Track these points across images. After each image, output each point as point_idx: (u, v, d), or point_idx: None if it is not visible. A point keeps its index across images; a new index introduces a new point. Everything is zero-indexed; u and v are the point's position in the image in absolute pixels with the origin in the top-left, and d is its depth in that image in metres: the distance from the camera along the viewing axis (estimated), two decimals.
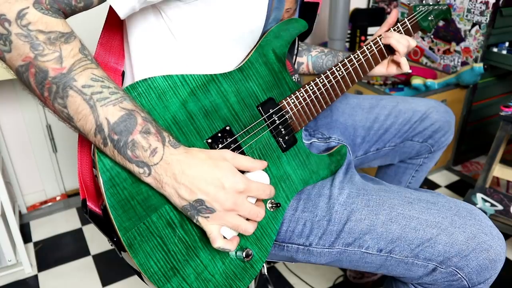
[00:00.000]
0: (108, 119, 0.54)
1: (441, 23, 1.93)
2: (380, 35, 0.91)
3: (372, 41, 0.90)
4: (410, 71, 0.95)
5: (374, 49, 0.89)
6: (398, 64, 0.93)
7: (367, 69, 0.88)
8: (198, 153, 0.59)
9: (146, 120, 0.57)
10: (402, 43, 0.89)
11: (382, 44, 0.90)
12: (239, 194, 0.59)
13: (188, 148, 0.59)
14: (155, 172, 0.56)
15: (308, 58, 1.05)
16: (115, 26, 0.73)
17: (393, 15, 0.95)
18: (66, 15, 0.56)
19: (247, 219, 0.62)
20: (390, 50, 0.92)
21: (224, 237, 0.61)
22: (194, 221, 0.59)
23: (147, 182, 0.58)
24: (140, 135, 0.55)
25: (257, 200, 0.64)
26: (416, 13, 0.97)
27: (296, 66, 1.06)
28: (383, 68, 0.95)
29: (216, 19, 0.67)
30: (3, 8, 0.49)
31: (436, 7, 1.01)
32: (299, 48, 1.06)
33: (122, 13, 0.58)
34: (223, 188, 0.57)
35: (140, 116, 0.56)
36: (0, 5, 0.49)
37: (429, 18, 0.99)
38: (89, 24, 1.02)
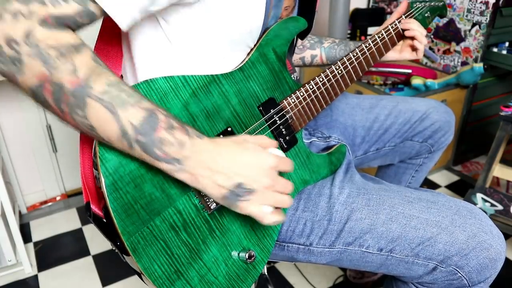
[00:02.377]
0: (131, 122, 0.53)
1: (441, 23, 1.93)
2: (399, 21, 0.95)
3: (371, 39, 0.90)
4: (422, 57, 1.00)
5: (373, 47, 0.90)
6: (412, 48, 0.98)
7: (366, 67, 0.89)
8: (223, 141, 0.60)
9: (168, 116, 0.56)
10: (422, 31, 0.94)
11: (401, 28, 0.94)
12: (272, 170, 0.59)
13: (211, 138, 0.60)
14: (187, 165, 0.56)
15: (321, 50, 1.07)
16: (111, 30, 0.73)
17: (404, 4, 0.98)
18: (72, 30, 0.55)
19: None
20: (397, 41, 0.95)
21: None
22: (233, 208, 0.59)
23: (180, 178, 0.57)
24: (165, 132, 0.55)
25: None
26: (413, 9, 0.99)
27: (310, 58, 1.08)
28: (396, 54, 0.99)
29: (214, 21, 0.67)
30: (9, 30, 0.49)
31: (432, 4, 1.03)
32: (311, 41, 1.08)
33: (124, 25, 0.57)
34: (259, 167, 0.58)
35: (161, 113, 0.56)
36: (6, 28, 0.49)
37: (426, 15, 1.01)
38: (85, 30, 1.02)
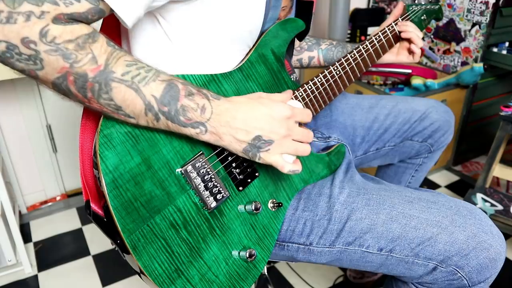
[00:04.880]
0: (154, 95, 0.57)
1: (440, 23, 1.93)
2: (396, 23, 0.94)
3: (368, 40, 0.90)
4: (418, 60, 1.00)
5: (370, 48, 0.90)
6: (408, 51, 0.98)
7: (363, 68, 0.89)
8: (238, 98, 0.64)
9: (185, 84, 0.60)
10: (418, 34, 0.94)
11: (397, 30, 0.94)
12: (288, 120, 0.63)
13: (227, 97, 0.63)
14: (210, 126, 0.60)
15: (318, 52, 1.07)
16: (111, 31, 0.73)
17: (400, 7, 0.99)
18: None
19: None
20: (394, 42, 0.95)
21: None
22: (257, 159, 0.63)
23: (205, 139, 0.61)
24: (186, 99, 0.58)
25: (300, 125, 0.67)
26: (409, 12, 0.99)
27: (307, 60, 1.09)
28: (393, 56, 0.99)
29: (214, 20, 0.67)
30: (24, 31, 0.50)
31: (428, 7, 1.04)
32: (309, 43, 1.09)
33: (130, 23, 0.58)
34: (273, 119, 0.62)
35: (179, 82, 0.59)
36: (21, 30, 0.49)
37: (422, 18, 1.01)
38: None
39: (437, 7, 1.06)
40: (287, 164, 0.64)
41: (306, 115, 0.66)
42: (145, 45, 0.70)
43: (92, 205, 0.66)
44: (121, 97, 0.55)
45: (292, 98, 0.69)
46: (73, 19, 0.53)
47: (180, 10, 0.66)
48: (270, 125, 0.61)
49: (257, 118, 0.61)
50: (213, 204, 0.65)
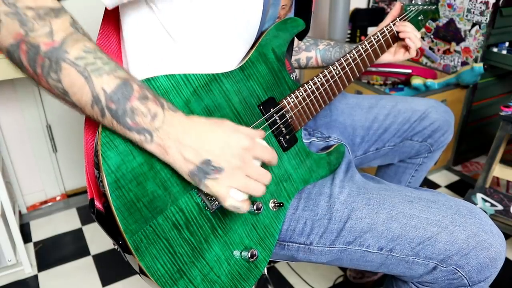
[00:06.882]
0: (104, 89, 0.53)
1: (440, 23, 1.93)
2: (394, 23, 0.95)
3: (367, 41, 0.90)
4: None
5: (369, 48, 0.90)
6: (405, 48, 0.98)
7: (363, 68, 0.90)
8: (198, 117, 0.59)
9: (142, 87, 0.56)
10: (416, 34, 0.95)
11: (396, 30, 0.95)
12: (245, 151, 0.58)
13: (187, 114, 0.59)
14: (157, 137, 0.55)
15: (316, 52, 1.07)
16: (111, 28, 0.73)
17: (397, 7, 0.99)
18: None
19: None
20: (392, 43, 0.96)
21: None
22: (202, 186, 0.58)
23: (150, 150, 0.57)
24: (138, 102, 0.54)
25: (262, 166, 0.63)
26: (407, 12, 1.00)
27: (305, 60, 1.09)
28: (390, 55, 1.00)
29: (211, 15, 0.66)
30: None
31: (425, 7, 1.04)
32: (307, 43, 1.09)
33: (109, 3, 0.57)
34: (229, 146, 0.57)
35: (136, 84, 0.56)
36: None
37: (419, 18, 1.02)
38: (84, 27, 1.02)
39: (433, 7, 1.07)
40: (230, 197, 0.57)
41: (269, 154, 0.61)
42: (147, 42, 0.69)
43: (97, 203, 0.66)
44: (69, 81, 0.52)
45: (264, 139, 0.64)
46: None
47: (173, 2, 0.65)
48: (223, 151, 0.57)
49: (210, 141, 0.56)
50: (215, 204, 0.65)
